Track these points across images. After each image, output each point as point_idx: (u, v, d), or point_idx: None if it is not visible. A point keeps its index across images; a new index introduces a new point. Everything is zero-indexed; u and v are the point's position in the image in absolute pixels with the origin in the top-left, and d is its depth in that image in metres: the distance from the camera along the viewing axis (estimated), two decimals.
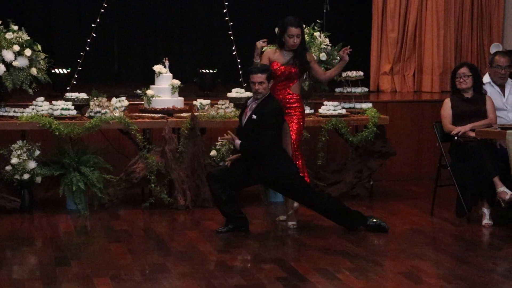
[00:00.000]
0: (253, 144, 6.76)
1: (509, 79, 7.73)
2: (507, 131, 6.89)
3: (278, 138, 6.88)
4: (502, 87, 7.69)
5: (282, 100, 7.03)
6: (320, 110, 8.23)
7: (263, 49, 7.24)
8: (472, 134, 7.25)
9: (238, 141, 6.78)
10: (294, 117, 7.08)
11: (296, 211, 7.13)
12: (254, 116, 6.76)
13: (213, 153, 7.99)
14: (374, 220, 6.87)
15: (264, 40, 7.14)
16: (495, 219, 7.17)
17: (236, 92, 8.32)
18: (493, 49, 8.97)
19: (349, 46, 7.29)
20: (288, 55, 7.08)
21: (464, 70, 7.49)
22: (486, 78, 7.78)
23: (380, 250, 6.42)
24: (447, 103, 7.55)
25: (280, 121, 6.88)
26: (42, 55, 7.83)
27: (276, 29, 8.36)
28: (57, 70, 9.29)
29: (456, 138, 7.35)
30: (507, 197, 6.92)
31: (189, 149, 7.83)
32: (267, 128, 6.75)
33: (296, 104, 7.11)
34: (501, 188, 6.98)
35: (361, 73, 8.37)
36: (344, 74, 8.26)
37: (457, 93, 7.55)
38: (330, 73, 7.41)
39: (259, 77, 6.76)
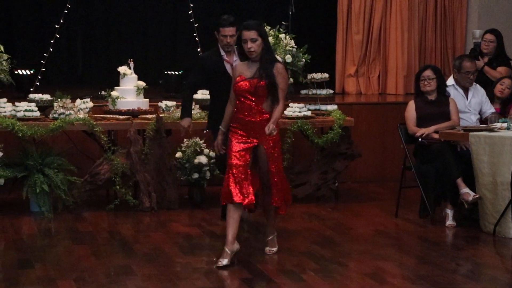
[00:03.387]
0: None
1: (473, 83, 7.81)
2: (470, 133, 6.98)
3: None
4: (465, 90, 7.75)
5: (258, 125, 5.88)
6: (286, 112, 8.24)
7: None
8: (436, 136, 7.31)
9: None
10: (270, 141, 5.98)
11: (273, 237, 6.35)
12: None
13: (178, 154, 7.97)
14: None
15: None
16: (458, 220, 7.24)
17: (202, 94, 8.30)
18: (476, 33, 9.11)
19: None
20: (254, 65, 5.99)
21: (428, 72, 7.55)
22: (450, 81, 7.85)
23: (345, 251, 6.45)
24: (411, 105, 7.60)
25: None
26: (5, 56, 7.75)
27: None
28: (20, 71, 9.19)
29: (420, 140, 7.41)
30: (470, 198, 6.99)
31: (154, 151, 7.80)
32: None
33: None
34: (464, 190, 7.05)
35: (327, 75, 8.41)
36: (309, 76, 8.28)
37: (421, 95, 7.61)
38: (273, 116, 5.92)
39: (230, 30, 6.68)
